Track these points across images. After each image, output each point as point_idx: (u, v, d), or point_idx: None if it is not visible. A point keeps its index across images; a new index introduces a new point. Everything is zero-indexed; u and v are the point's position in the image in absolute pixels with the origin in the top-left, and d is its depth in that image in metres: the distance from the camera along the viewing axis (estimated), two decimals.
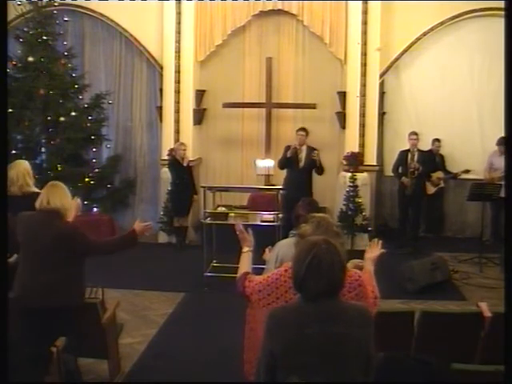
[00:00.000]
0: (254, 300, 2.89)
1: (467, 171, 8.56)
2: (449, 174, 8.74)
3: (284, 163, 7.72)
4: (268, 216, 6.75)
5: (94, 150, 8.51)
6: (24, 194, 4.37)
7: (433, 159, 8.60)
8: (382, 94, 8.76)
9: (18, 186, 4.45)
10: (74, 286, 3.69)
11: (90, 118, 8.24)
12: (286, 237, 3.83)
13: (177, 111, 8.79)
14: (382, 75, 8.64)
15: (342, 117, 8.67)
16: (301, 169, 7.65)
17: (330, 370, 2.22)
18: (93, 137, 8.29)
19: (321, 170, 7.73)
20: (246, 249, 3.23)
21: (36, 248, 3.59)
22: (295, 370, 2.24)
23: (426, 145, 8.43)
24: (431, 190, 8.66)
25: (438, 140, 8.73)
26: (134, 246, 3.95)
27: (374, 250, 3.24)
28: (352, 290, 2.77)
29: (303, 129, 7.82)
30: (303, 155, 7.68)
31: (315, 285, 2.24)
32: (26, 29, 7.96)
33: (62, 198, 3.70)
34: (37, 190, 4.41)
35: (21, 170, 4.54)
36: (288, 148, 7.68)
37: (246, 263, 3.14)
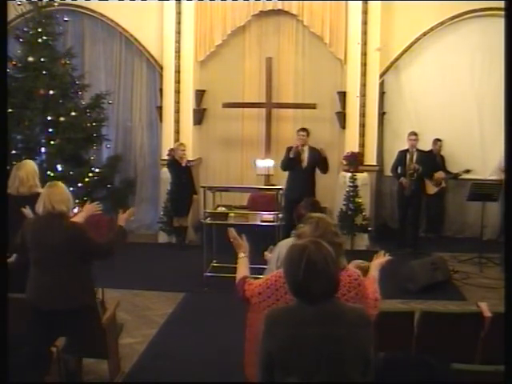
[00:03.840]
0: (254, 303, 2.89)
1: (468, 171, 8.57)
2: (449, 174, 8.74)
3: (287, 164, 7.70)
4: (268, 216, 6.75)
5: (94, 149, 8.50)
6: (32, 194, 4.36)
7: (433, 159, 8.60)
8: (381, 93, 8.76)
9: (27, 187, 4.44)
10: (85, 286, 3.73)
11: (89, 117, 8.23)
12: (286, 237, 3.83)
13: (177, 111, 8.79)
14: (382, 75, 8.64)
15: (342, 117, 8.67)
16: (304, 169, 7.63)
17: (328, 371, 2.21)
18: (93, 137, 8.28)
19: (326, 169, 7.71)
20: (241, 254, 3.22)
21: (45, 251, 3.60)
22: (293, 371, 2.23)
23: (425, 145, 8.43)
24: (433, 189, 8.65)
25: (439, 140, 8.72)
26: (126, 237, 4.05)
27: (380, 257, 3.35)
28: (352, 289, 2.76)
29: (304, 129, 7.80)
30: (305, 155, 7.68)
31: (314, 287, 2.24)
32: (25, 29, 7.94)
33: (65, 200, 3.72)
34: (42, 190, 4.41)
35: (30, 170, 4.53)
36: (290, 149, 7.67)
37: (243, 268, 3.14)
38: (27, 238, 3.68)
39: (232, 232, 3.30)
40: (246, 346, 3.36)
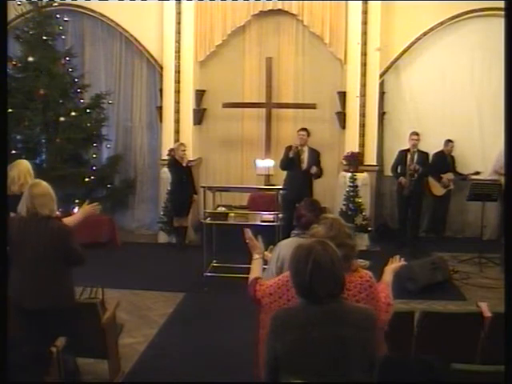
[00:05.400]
0: (264, 303, 2.90)
1: (477, 173, 8.42)
2: (459, 176, 8.65)
3: (286, 164, 7.70)
4: (268, 216, 6.74)
5: (94, 149, 8.51)
6: (23, 193, 4.36)
7: (443, 160, 8.56)
8: (381, 93, 8.76)
9: (18, 185, 4.45)
10: (65, 287, 3.69)
11: (89, 117, 8.24)
12: (286, 237, 3.82)
13: (177, 111, 8.79)
14: (381, 75, 8.64)
15: (342, 117, 8.67)
16: (303, 170, 7.64)
17: (333, 371, 2.23)
18: (93, 136, 8.28)
19: (319, 174, 7.72)
20: (256, 256, 3.26)
21: (29, 251, 3.56)
22: (299, 371, 2.24)
23: (425, 145, 8.42)
24: (441, 191, 8.58)
25: (450, 141, 8.58)
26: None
27: (395, 262, 3.36)
28: (363, 290, 2.75)
29: (304, 129, 7.81)
30: (305, 156, 7.67)
31: (322, 288, 2.25)
32: (25, 29, 7.96)
33: (48, 203, 3.62)
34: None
35: (22, 169, 4.54)
36: (289, 149, 7.66)
37: (256, 269, 3.17)
38: (10, 238, 3.57)
39: (248, 233, 3.32)
40: (259, 347, 3.34)
